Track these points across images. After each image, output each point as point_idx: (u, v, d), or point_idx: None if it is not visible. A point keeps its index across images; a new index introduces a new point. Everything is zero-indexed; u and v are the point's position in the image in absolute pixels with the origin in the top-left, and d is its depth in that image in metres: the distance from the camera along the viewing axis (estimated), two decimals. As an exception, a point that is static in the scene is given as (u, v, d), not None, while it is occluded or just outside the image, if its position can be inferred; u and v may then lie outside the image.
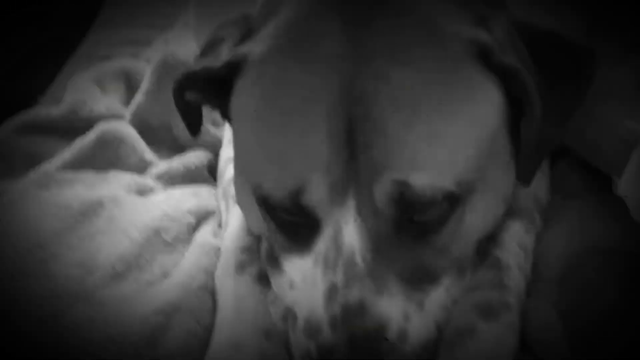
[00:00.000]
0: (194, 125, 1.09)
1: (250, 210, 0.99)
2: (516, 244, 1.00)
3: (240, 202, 1.03)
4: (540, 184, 1.10)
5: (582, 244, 0.99)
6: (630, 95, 0.99)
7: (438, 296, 0.91)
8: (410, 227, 0.88)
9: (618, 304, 0.91)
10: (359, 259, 0.86)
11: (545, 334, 0.90)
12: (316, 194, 0.86)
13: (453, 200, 0.88)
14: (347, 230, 0.87)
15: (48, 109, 1.48)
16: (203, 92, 1.03)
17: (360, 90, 0.85)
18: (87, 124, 1.38)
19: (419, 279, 0.89)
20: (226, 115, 1.03)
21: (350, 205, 0.87)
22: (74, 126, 1.41)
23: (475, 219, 0.92)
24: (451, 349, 0.88)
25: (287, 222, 0.92)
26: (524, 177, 0.96)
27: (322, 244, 0.89)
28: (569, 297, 0.94)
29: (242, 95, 0.96)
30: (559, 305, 0.93)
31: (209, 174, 1.32)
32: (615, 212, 0.98)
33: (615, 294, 0.92)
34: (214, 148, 1.35)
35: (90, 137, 1.33)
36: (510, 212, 1.02)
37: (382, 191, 0.85)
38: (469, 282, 0.95)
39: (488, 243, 0.99)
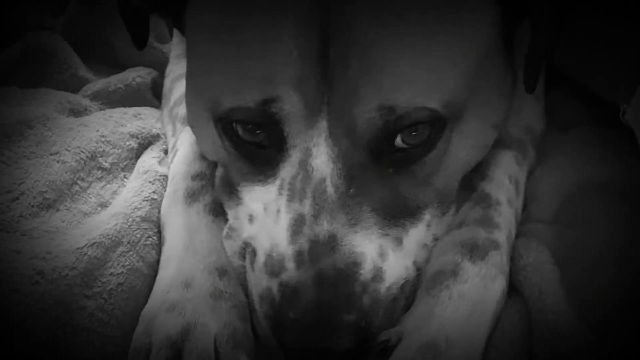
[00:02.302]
0: (140, 37, 1.04)
1: (205, 131, 0.95)
2: (507, 178, 0.97)
3: (192, 123, 0.99)
4: (533, 112, 1.09)
5: (581, 180, 0.99)
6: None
7: (418, 232, 0.89)
8: (390, 156, 0.85)
9: (619, 247, 0.90)
10: (330, 187, 0.83)
11: (536, 277, 0.87)
12: (287, 104, 0.82)
13: (439, 124, 0.85)
14: (318, 154, 0.84)
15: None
16: None
17: (334, 1, 0.81)
18: (12, 35, 1.33)
19: (397, 213, 0.87)
20: (179, 25, 0.99)
21: (322, 126, 0.83)
22: (-4, 37, 1.35)
23: (462, 146, 0.90)
24: (431, 291, 0.86)
25: (248, 144, 0.88)
26: (528, 83, 0.93)
27: (288, 168, 0.86)
28: (565, 238, 0.92)
29: (201, 1, 0.91)
30: (553, 247, 0.91)
31: (153, 95, 1.28)
32: (612, 143, 0.98)
33: (618, 236, 0.91)
34: (159, 66, 1.31)
35: (15, 48, 1.29)
36: (501, 142, 1.00)
37: (364, 117, 0.82)
38: (454, 219, 0.93)
39: (476, 176, 0.97)
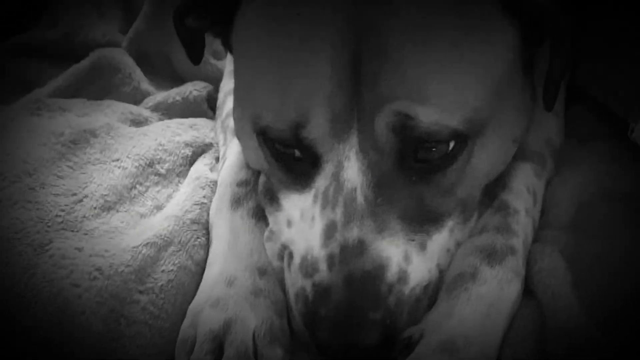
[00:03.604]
0: (195, 53, 1.08)
1: (249, 143, 0.99)
2: (525, 188, 0.99)
3: (239, 134, 1.03)
4: (553, 125, 1.10)
5: (595, 189, 1.00)
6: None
7: (441, 238, 0.91)
8: (415, 166, 0.88)
9: (629, 252, 0.91)
10: (359, 197, 0.86)
11: (550, 280, 0.89)
12: (317, 128, 0.86)
13: (460, 140, 0.88)
14: (349, 166, 0.87)
15: (43, 33, 1.48)
16: (205, 19, 1.02)
17: (368, 22, 0.85)
18: (82, 51, 1.38)
19: (421, 220, 0.89)
20: (228, 45, 1.03)
21: (353, 140, 0.87)
22: (68, 52, 1.40)
23: (483, 160, 0.92)
24: (451, 292, 0.88)
25: (287, 156, 0.92)
26: (547, 102, 0.96)
27: (322, 180, 0.89)
28: (578, 244, 0.94)
29: (246, 23, 0.95)
30: (566, 252, 0.93)
31: (209, 107, 1.31)
32: (630, 157, 0.98)
33: (627, 242, 0.92)
34: (214, 80, 1.34)
35: (84, 63, 1.33)
36: (521, 154, 1.02)
37: (382, 122, 0.85)
38: (475, 225, 0.96)
39: (496, 186, 0.98)
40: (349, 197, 0.87)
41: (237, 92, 1.01)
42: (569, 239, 0.95)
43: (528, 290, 0.92)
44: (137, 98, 1.32)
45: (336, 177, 0.87)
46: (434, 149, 0.87)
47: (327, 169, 0.88)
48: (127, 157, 1.10)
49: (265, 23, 0.91)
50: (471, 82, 0.88)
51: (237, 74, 1.00)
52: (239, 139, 1.04)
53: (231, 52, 1.03)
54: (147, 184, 1.09)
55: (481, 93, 0.88)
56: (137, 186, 1.08)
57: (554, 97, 0.95)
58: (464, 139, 0.88)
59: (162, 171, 1.11)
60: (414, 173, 0.88)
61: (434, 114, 0.85)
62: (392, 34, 0.84)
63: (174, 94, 1.31)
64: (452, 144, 0.88)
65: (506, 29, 0.91)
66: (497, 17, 0.90)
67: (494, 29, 0.90)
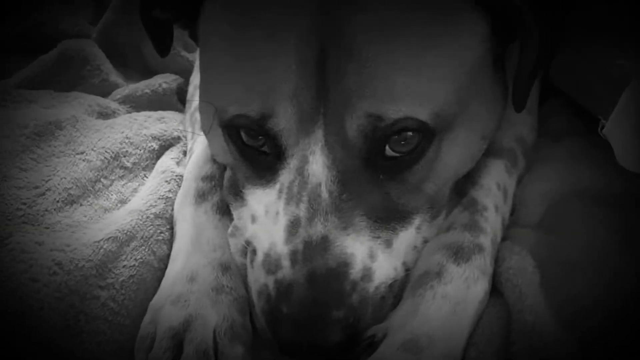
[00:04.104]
0: (163, 45, 1.06)
1: (215, 136, 0.97)
2: (495, 185, 0.97)
3: (204, 128, 1.01)
4: (525, 123, 1.08)
5: (566, 187, 0.98)
6: (622, 32, 0.96)
7: (408, 235, 0.89)
8: (382, 163, 0.86)
9: (599, 252, 0.89)
10: (324, 192, 0.84)
11: (518, 279, 0.87)
12: (283, 121, 0.84)
13: (428, 135, 0.86)
14: (314, 161, 0.85)
15: (12, 25, 1.44)
16: (171, 10, 0.99)
17: (335, 17, 0.83)
18: (52, 42, 1.35)
19: (388, 217, 0.87)
20: (194, 37, 1.01)
21: (318, 135, 0.85)
22: (38, 44, 1.37)
23: (452, 156, 0.90)
24: (416, 291, 0.86)
25: (252, 150, 0.90)
26: (517, 102, 0.94)
27: (287, 174, 0.87)
28: (548, 243, 0.92)
29: (211, 15, 0.93)
30: (535, 251, 0.91)
31: (178, 100, 1.29)
32: (602, 155, 0.96)
33: (598, 242, 0.91)
34: (186, 73, 1.32)
35: (52, 54, 1.30)
36: (492, 151, 1.00)
37: (354, 124, 0.83)
38: (444, 223, 0.94)
39: (466, 183, 0.97)
40: (314, 193, 0.85)
41: (203, 85, 0.99)
42: (539, 238, 0.93)
43: (495, 289, 0.90)
44: (105, 90, 1.30)
45: (301, 171, 0.85)
46: (402, 142, 0.85)
47: (292, 164, 0.86)
48: (93, 150, 1.08)
49: (231, 15, 0.89)
50: (439, 77, 0.86)
51: (203, 67, 0.98)
52: (204, 132, 1.01)
53: (198, 44, 1.00)
54: (112, 177, 1.06)
55: (450, 88, 0.86)
56: (102, 180, 1.05)
57: (524, 97, 0.93)
58: (432, 133, 0.86)
59: (128, 165, 1.08)
60: (380, 170, 0.86)
61: (402, 111, 0.83)
62: (358, 29, 0.82)
63: (143, 86, 1.29)
64: (419, 140, 0.86)
65: (476, 23, 0.89)
66: (467, 11, 0.88)
67: (462, 23, 0.88)
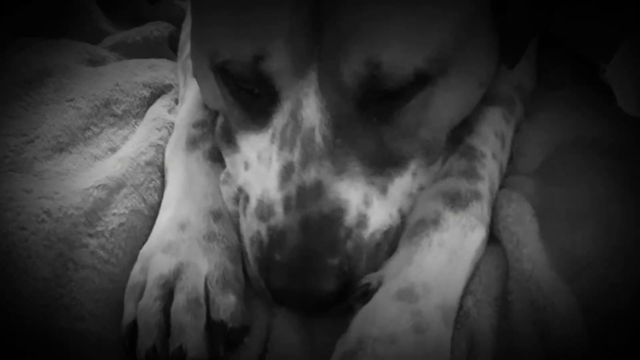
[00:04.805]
0: None
1: (207, 81, 0.93)
2: (493, 132, 0.94)
3: (196, 73, 0.98)
4: (524, 71, 1.05)
5: (566, 135, 0.96)
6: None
7: (403, 182, 0.87)
8: (376, 107, 0.83)
9: (598, 201, 0.87)
10: (318, 137, 0.82)
11: (516, 227, 0.85)
12: (276, 62, 0.81)
13: (423, 79, 0.83)
14: (307, 105, 0.82)
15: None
16: None
17: None
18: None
19: (383, 163, 0.85)
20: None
21: (312, 77, 0.82)
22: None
23: (447, 102, 0.87)
24: (412, 238, 0.84)
25: (245, 94, 0.87)
26: (508, 59, 0.91)
27: (280, 118, 0.84)
28: (547, 191, 0.90)
29: None
30: (534, 199, 0.89)
31: (170, 48, 1.26)
32: (601, 103, 0.93)
33: (597, 190, 0.88)
34: (178, 21, 1.28)
35: (40, 1, 1.28)
36: (490, 99, 0.97)
37: (350, 71, 0.80)
38: (440, 170, 0.91)
39: (463, 131, 0.94)
40: (307, 137, 0.82)
41: (194, 29, 0.96)
42: (538, 186, 0.91)
43: (493, 237, 0.88)
44: (95, 38, 1.27)
45: (294, 115, 0.83)
46: (396, 89, 0.82)
47: (286, 107, 0.83)
48: (82, 97, 1.05)
49: None
50: (433, 20, 0.83)
51: (194, 11, 0.95)
52: (196, 77, 0.98)
53: (189, -14, 0.97)
54: (102, 125, 1.03)
55: (444, 31, 0.83)
56: (92, 127, 1.02)
57: (517, 55, 0.91)
58: (426, 77, 0.83)
59: (118, 112, 1.05)
60: (375, 114, 0.84)
61: (397, 53, 0.80)
62: None
63: (135, 33, 1.26)
64: (414, 83, 0.83)
65: None
66: None
67: None
